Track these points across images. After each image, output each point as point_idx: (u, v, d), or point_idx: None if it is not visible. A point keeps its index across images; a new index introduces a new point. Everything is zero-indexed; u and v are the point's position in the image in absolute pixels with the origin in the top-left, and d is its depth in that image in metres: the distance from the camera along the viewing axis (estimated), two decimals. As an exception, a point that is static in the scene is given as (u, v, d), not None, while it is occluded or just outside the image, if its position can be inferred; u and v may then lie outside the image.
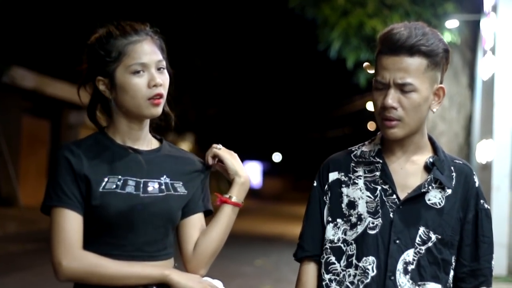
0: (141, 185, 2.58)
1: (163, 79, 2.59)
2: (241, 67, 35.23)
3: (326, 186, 2.64)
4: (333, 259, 2.60)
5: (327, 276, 2.60)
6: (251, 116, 41.93)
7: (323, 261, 2.62)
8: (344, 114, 33.30)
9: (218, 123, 39.28)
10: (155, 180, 2.61)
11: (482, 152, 10.65)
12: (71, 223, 2.51)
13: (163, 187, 2.61)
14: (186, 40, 27.12)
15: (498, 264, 9.73)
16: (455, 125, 11.83)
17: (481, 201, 2.62)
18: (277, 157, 55.27)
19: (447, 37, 11.26)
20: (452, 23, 11.33)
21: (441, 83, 2.57)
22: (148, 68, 2.56)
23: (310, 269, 2.65)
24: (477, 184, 2.62)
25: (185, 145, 39.59)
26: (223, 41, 30.89)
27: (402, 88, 2.48)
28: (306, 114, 43.69)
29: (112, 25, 2.63)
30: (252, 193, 50.79)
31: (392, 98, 2.49)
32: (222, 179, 44.25)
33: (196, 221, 2.70)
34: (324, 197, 2.64)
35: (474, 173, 2.64)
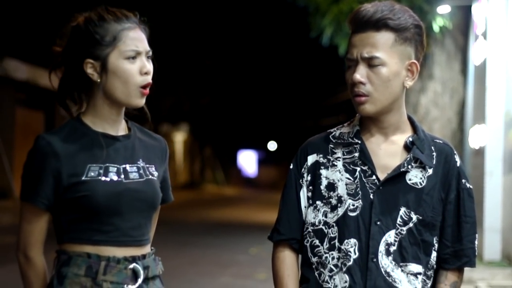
0: (122, 171, 2.60)
1: (151, 68, 2.60)
2: (234, 56, 35.16)
3: (303, 169, 2.63)
4: (317, 241, 2.59)
5: (314, 259, 2.60)
6: (245, 104, 41.88)
7: (308, 244, 2.61)
8: (338, 101, 33.28)
9: (212, 112, 39.23)
10: (134, 165, 2.63)
11: (475, 137, 10.65)
12: (36, 221, 2.60)
13: (141, 171, 2.63)
14: (178, 30, 27.06)
15: (492, 249, 9.74)
16: (448, 111, 11.83)
17: (463, 180, 2.60)
18: (272, 145, 55.23)
19: (439, 22, 11.25)
20: (444, 9, 11.31)
21: (418, 60, 2.56)
22: (140, 56, 2.58)
23: (286, 252, 2.64)
24: (458, 164, 2.60)
25: (180, 135, 39.56)
26: (215, 30, 30.82)
27: (370, 62, 2.49)
28: (300, 102, 43.64)
29: (101, 9, 2.62)
30: (248, 181, 50.82)
31: (360, 73, 2.50)
32: (218, 169, 44.28)
33: (158, 210, 2.76)
34: (300, 180, 2.63)
35: (455, 152, 2.62)
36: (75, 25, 2.63)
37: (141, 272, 2.58)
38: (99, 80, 2.59)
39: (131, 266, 2.57)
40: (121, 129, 2.67)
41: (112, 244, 2.57)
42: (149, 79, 2.58)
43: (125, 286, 2.56)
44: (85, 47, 2.59)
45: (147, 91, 2.59)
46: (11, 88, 20.93)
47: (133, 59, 2.57)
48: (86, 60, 2.59)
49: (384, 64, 2.49)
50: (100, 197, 2.54)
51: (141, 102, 2.61)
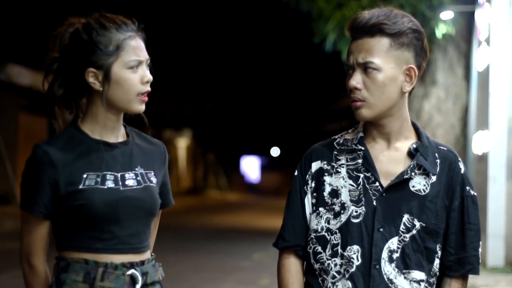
0: (119, 179, 2.59)
1: (151, 78, 2.61)
2: (236, 61, 35.17)
3: (308, 176, 2.62)
4: (319, 248, 2.58)
5: (316, 266, 2.59)
6: (248, 110, 41.90)
7: (311, 251, 2.60)
8: (341, 107, 33.29)
9: (215, 118, 39.23)
10: (131, 172, 2.62)
11: (478, 143, 10.65)
12: (36, 229, 2.60)
13: (139, 178, 2.63)
14: (181, 35, 27.09)
15: (496, 255, 9.72)
16: (451, 117, 11.83)
17: (467, 187, 2.59)
18: (275, 151, 55.20)
19: (442, 29, 11.26)
20: (447, 15, 11.32)
21: (419, 65, 2.54)
22: (141, 65, 2.58)
23: (291, 259, 2.64)
24: (462, 171, 2.59)
25: (183, 141, 39.57)
26: (218, 36, 30.82)
27: (365, 67, 2.50)
28: (303, 108, 43.65)
29: (99, 15, 2.61)
30: (251, 187, 50.81)
31: (355, 79, 2.51)
32: (221, 174, 44.29)
33: (158, 215, 2.77)
34: (305, 187, 2.63)
35: (460, 159, 2.61)
36: (74, 32, 2.60)
37: (139, 278, 2.57)
38: (101, 89, 2.58)
39: (129, 272, 2.57)
40: (119, 136, 2.66)
41: (111, 252, 2.57)
42: (148, 87, 2.59)
43: None
44: (87, 56, 2.56)
45: (146, 98, 2.60)
46: (14, 94, 20.96)
47: (134, 68, 2.57)
48: (88, 69, 2.57)
49: (379, 69, 2.49)
50: (98, 206, 2.54)
51: (142, 108, 2.61)
